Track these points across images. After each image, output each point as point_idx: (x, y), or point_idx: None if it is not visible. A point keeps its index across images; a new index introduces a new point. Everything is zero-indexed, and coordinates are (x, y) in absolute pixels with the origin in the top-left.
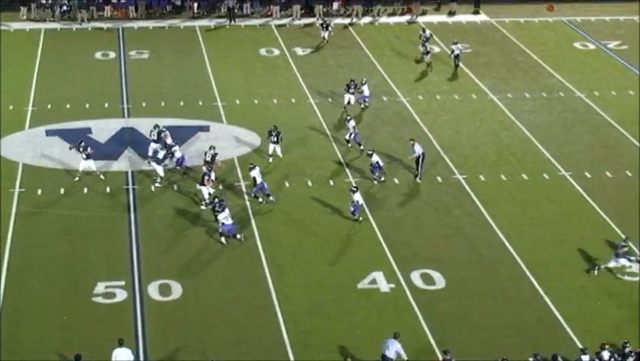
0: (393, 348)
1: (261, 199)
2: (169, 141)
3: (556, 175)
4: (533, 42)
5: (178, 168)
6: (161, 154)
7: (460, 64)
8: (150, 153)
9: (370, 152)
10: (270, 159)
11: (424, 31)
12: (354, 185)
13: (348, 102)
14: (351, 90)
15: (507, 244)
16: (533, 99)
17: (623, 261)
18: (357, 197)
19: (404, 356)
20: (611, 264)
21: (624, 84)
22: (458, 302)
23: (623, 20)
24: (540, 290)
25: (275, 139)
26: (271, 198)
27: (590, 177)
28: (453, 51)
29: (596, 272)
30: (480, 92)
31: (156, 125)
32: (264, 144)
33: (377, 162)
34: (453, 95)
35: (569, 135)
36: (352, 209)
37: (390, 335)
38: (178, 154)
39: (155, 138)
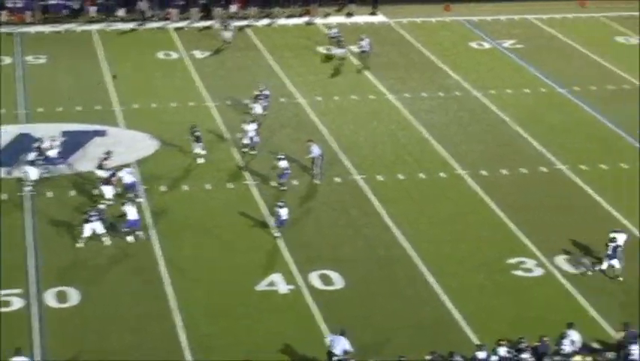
0: (340, 345)
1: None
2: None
3: (453, 174)
4: (430, 42)
5: (60, 166)
6: (32, 156)
7: (358, 64)
8: (26, 164)
9: (282, 156)
10: (198, 160)
11: (330, 29)
12: (282, 200)
13: (254, 110)
14: (261, 100)
15: (405, 243)
16: (430, 99)
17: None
18: (285, 212)
19: (351, 349)
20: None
21: (519, 82)
22: (357, 302)
23: (518, 19)
24: (437, 289)
25: (196, 137)
26: (139, 199)
27: (486, 176)
28: (361, 47)
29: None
30: (378, 93)
31: (39, 139)
32: (165, 146)
33: (287, 168)
34: (351, 96)
35: (465, 134)
36: (277, 223)
37: (292, 336)
38: (52, 154)
39: (36, 150)
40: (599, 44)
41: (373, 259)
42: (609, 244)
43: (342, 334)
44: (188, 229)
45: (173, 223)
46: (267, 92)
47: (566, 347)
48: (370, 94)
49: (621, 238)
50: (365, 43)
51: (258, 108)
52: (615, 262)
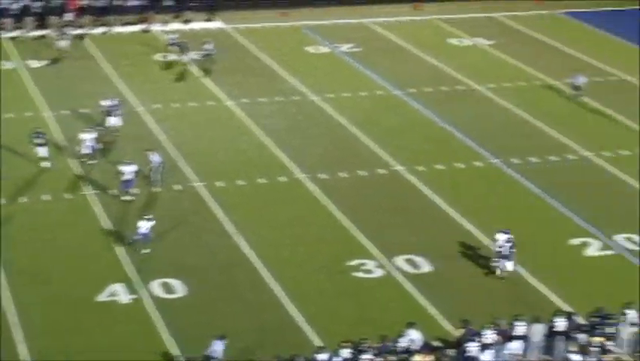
0: (216, 349)
1: None
2: None
3: (293, 178)
4: (268, 47)
5: None
6: None
7: (197, 70)
8: None
9: (128, 162)
10: (44, 163)
11: (169, 35)
12: (150, 215)
13: (111, 122)
14: (113, 113)
15: (246, 248)
16: (269, 104)
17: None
18: (149, 225)
19: (221, 357)
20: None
21: (356, 86)
22: (199, 309)
23: (355, 23)
24: (279, 292)
25: (41, 141)
26: None
27: (325, 179)
28: (205, 51)
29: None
30: (216, 99)
31: None
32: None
33: (133, 174)
34: (189, 103)
35: (303, 138)
36: (138, 237)
37: (135, 346)
38: None
39: None
40: (432, 46)
41: (215, 266)
42: (505, 244)
43: (221, 338)
44: (26, 242)
45: (11, 236)
46: (117, 103)
47: (404, 344)
48: (209, 100)
49: (510, 238)
50: (210, 46)
51: (116, 120)
52: (510, 264)
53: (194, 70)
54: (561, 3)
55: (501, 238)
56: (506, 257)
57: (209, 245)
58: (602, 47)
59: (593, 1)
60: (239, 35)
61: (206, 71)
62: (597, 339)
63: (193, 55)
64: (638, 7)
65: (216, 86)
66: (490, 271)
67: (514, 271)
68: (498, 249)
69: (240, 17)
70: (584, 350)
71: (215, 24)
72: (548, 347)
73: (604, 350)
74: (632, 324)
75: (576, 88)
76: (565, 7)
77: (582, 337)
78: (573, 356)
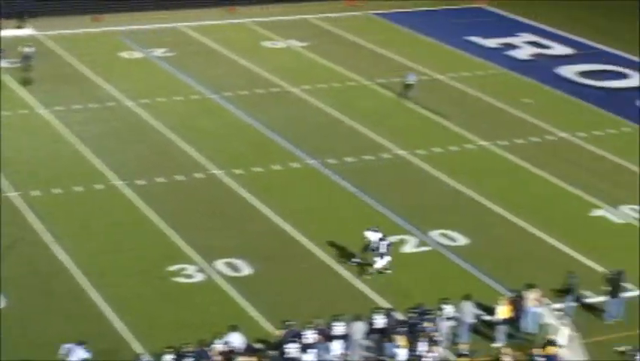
0: (77, 354)
1: None
2: None
3: (109, 185)
4: (81, 54)
5: None
6: None
7: (8, 78)
8: None
9: None
10: None
11: None
12: None
13: None
14: None
15: (64, 257)
16: (83, 111)
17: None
18: None
19: (89, 356)
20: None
21: (171, 90)
22: (18, 321)
23: (168, 28)
24: (99, 301)
25: None
26: None
27: (142, 185)
28: (26, 54)
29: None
30: (29, 107)
31: None
32: None
33: None
34: (1, 112)
35: (120, 144)
36: None
37: None
38: None
39: None
40: (246, 49)
41: (32, 276)
42: (380, 242)
43: (80, 344)
44: None
45: None
46: None
47: (219, 346)
48: (21, 108)
49: (383, 236)
50: (31, 50)
51: None
52: (386, 259)
53: (6, 78)
54: (373, 4)
55: (373, 236)
56: (382, 254)
57: (27, 256)
58: (414, 47)
59: (404, 1)
60: (51, 42)
61: (26, 78)
62: (425, 334)
63: (4, 63)
64: (448, 7)
65: (29, 94)
66: (365, 268)
67: (337, 274)
68: (373, 246)
69: (52, 24)
70: (408, 345)
71: (26, 31)
72: (371, 344)
73: (432, 341)
74: (449, 318)
75: (407, 86)
76: (376, 8)
77: (404, 332)
78: (398, 352)
